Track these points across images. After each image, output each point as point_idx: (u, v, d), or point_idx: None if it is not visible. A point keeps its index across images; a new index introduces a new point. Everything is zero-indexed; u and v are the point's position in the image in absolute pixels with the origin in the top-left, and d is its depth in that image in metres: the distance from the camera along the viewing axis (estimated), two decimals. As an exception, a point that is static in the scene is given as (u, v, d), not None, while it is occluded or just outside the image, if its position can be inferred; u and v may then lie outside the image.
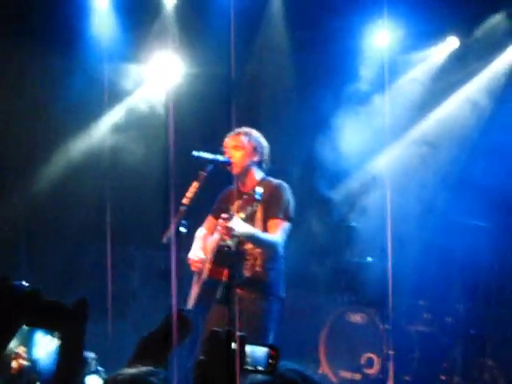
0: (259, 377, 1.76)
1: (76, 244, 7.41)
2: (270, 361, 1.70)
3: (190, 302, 4.72)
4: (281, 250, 4.70)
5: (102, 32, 7.18)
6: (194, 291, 4.75)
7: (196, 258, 4.76)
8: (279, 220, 4.65)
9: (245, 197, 4.50)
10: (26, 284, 1.19)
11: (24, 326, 1.19)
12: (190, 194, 4.55)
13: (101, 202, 7.01)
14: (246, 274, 4.64)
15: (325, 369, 6.55)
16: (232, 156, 4.73)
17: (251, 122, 5.19)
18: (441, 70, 7.35)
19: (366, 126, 6.83)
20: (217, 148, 4.78)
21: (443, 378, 6.42)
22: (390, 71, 6.91)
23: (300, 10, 7.28)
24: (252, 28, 7.32)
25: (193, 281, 4.82)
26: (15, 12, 6.87)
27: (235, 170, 4.74)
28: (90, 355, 4.93)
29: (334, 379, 6.51)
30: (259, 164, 4.83)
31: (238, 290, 4.60)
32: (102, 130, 7.37)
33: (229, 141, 4.79)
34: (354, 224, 6.97)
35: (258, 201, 4.38)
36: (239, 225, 4.39)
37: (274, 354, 1.71)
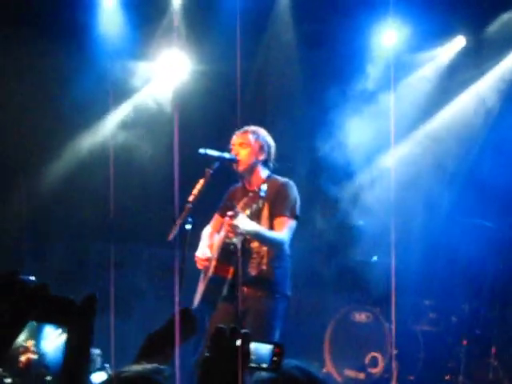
0: (263, 374, 1.76)
1: (82, 241, 7.43)
2: (274, 358, 1.70)
3: (196, 300, 4.73)
4: (287, 248, 4.70)
5: (110, 29, 7.19)
6: (200, 289, 4.75)
7: (203, 256, 4.77)
8: (285, 218, 4.65)
9: (250, 194, 4.50)
10: (34, 279, 1.20)
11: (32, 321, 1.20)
12: (196, 191, 4.56)
13: (107, 200, 7.03)
14: (252, 272, 4.64)
15: (329, 367, 6.54)
16: (238, 153, 4.74)
17: (258, 120, 5.20)
18: (449, 68, 7.33)
19: (373, 124, 6.81)
20: (223, 145, 4.79)
21: (448, 377, 6.41)
22: (398, 70, 6.90)
23: (307, 7, 7.28)
24: (259, 25, 7.32)
25: (200, 278, 4.82)
26: (23, 10, 6.89)
27: (241, 168, 4.74)
28: (96, 352, 4.94)
29: (338, 378, 6.51)
30: (265, 163, 4.83)
31: (244, 289, 4.61)
32: (109, 127, 7.38)
33: (236, 138, 4.79)
34: (360, 223, 6.97)
35: (262, 198, 4.38)
36: (244, 222, 4.39)
37: (278, 351, 1.71)
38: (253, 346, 1.67)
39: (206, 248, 4.83)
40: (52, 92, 7.03)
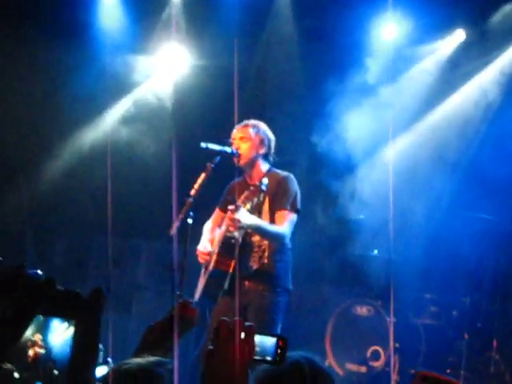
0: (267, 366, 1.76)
1: (83, 236, 7.42)
2: (278, 351, 1.70)
3: (197, 294, 4.73)
4: (288, 241, 4.70)
5: (110, 24, 7.18)
6: (201, 283, 4.76)
7: (204, 250, 4.77)
8: (286, 211, 4.65)
9: (251, 188, 4.50)
10: (41, 273, 1.18)
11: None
12: (197, 185, 4.56)
13: (107, 194, 7.01)
14: (254, 266, 4.64)
15: (331, 361, 6.55)
16: (239, 147, 4.74)
17: (257, 114, 5.19)
18: (449, 61, 7.32)
19: (373, 117, 6.80)
20: (223, 139, 4.78)
21: (449, 371, 6.41)
22: (398, 63, 6.89)
23: (307, 1, 7.26)
24: (259, 20, 7.30)
25: (201, 273, 4.83)
26: (22, 5, 6.88)
27: (242, 162, 4.74)
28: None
29: (339, 372, 6.52)
30: (266, 156, 4.84)
31: (246, 282, 4.61)
32: (109, 122, 7.37)
33: (236, 132, 4.79)
34: (360, 217, 6.96)
35: (263, 191, 4.38)
36: (246, 216, 4.39)
37: (282, 344, 1.70)
38: (257, 338, 1.67)
39: (208, 242, 4.84)
40: (53, 87, 7.02)
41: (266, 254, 4.65)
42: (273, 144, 4.87)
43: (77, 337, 1.21)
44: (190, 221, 4.47)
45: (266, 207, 4.64)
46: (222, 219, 4.83)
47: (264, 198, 4.55)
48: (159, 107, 7.29)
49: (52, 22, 6.82)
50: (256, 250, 4.65)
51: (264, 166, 4.82)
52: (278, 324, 4.65)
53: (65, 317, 1.29)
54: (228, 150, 4.70)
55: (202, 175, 4.59)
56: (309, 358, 1.92)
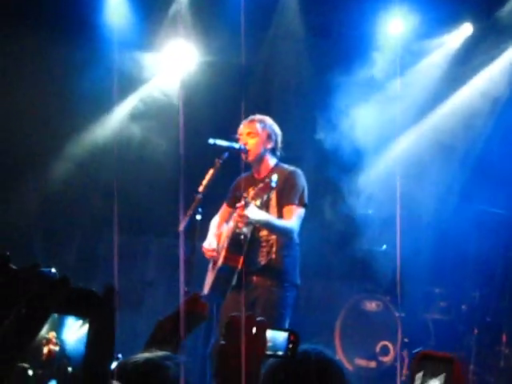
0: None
1: (91, 234, 7.43)
2: (290, 345, 1.69)
3: (205, 289, 4.73)
4: (296, 236, 4.70)
5: (117, 21, 7.18)
6: (209, 278, 4.76)
7: (209, 247, 4.77)
8: (294, 206, 4.65)
9: (260, 184, 4.49)
10: (55, 271, 1.18)
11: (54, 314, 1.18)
12: (205, 181, 4.56)
13: (116, 192, 7.02)
14: (262, 261, 4.64)
15: (340, 356, 6.54)
16: (247, 143, 4.73)
17: (264, 109, 5.18)
18: (457, 55, 7.29)
19: (380, 112, 6.79)
20: (231, 135, 4.78)
21: (459, 365, 6.39)
22: (405, 58, 6.87)
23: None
24: (265, 15, 7.29)
25: (208, 268, 4.83)
26: (28, 3, 6.89)
27: (251, 158, 4.74)
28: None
29: (349, 367, 6.51)
30: (273, 151, 4.83)
31: (254, 278, 4.62)
32: (117, 119, 7.38)
33: (243, 128, 4.79)
34: (369, 212, 6.95)
35: (273, 188, 4.38)
36: (254, 212, 4.39)
37: (294, 338, 1.70)
38: (268, 333, 1.67)
39: (213, 238, 4.84)
40: (59, 84, 7.03)
41: (274, 249, 4.65)
42: (279, 138, 4.86)
43: (91, 334, 1.20)
44: (198, 217, 4.48)
45: (273, 202, 4.64)
46: (230, 214, 4.82)
47: (273, 194, 4.55)
48: (167, 104, 7.28)
49: (59, 19, 6.83)
50: (264, 244, 4.65)
51: (272, 161, 4.82)
52: (287, 319, 4.65)
53: (79, 315, 1.27)
54: (236, 145, 4.69)
55: (211, 171, 4.59)
56: (318, 350, 1.91)
